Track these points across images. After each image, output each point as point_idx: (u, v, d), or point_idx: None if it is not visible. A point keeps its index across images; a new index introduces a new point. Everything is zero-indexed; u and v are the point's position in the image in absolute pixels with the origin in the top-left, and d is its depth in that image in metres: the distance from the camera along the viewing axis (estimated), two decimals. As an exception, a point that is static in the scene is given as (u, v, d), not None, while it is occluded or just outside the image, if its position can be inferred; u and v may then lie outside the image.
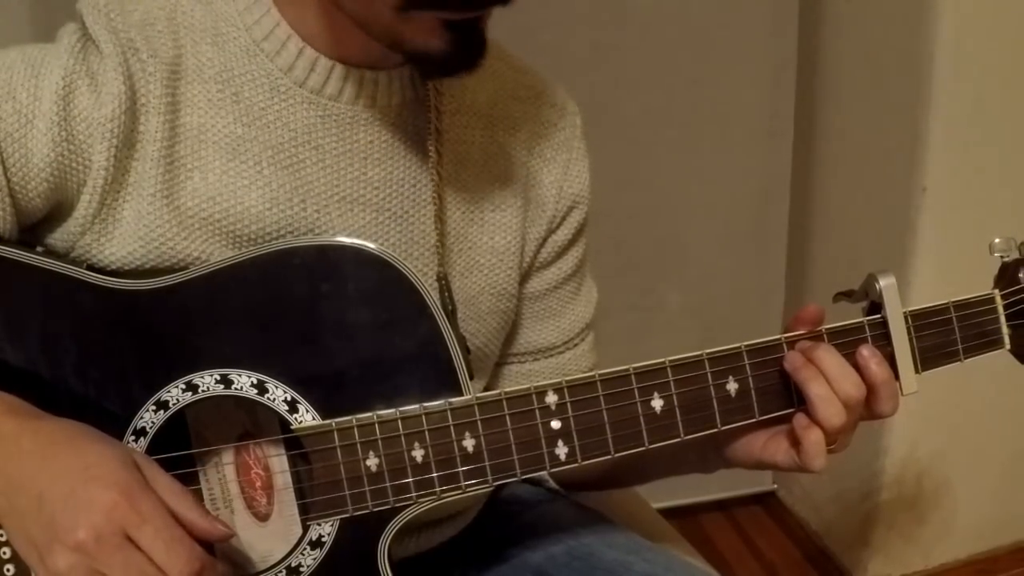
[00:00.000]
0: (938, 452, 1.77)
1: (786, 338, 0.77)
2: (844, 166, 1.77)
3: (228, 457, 0.75)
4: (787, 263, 1.88)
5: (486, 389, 0.89)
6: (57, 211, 0.73)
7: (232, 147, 0.74)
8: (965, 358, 0.81)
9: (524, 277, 0.88)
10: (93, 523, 0.60)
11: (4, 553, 0.68)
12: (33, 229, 0.74)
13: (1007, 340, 0.82)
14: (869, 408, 0.76)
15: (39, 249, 0.73)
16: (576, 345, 0.93)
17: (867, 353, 0.76)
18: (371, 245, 0.71)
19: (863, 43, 1.67)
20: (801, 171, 1.83)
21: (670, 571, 0.88)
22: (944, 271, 1.56)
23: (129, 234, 0.72)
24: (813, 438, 0.74)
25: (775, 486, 2.06)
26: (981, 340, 0.81)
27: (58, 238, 0.74)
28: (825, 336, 0.77)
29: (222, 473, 0.75)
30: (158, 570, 0.61)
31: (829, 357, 0.75)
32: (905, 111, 1.56)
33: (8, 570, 0.68)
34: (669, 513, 1.27)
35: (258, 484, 0.75)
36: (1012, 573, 1.87)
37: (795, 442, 0.76)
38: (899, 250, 1.61)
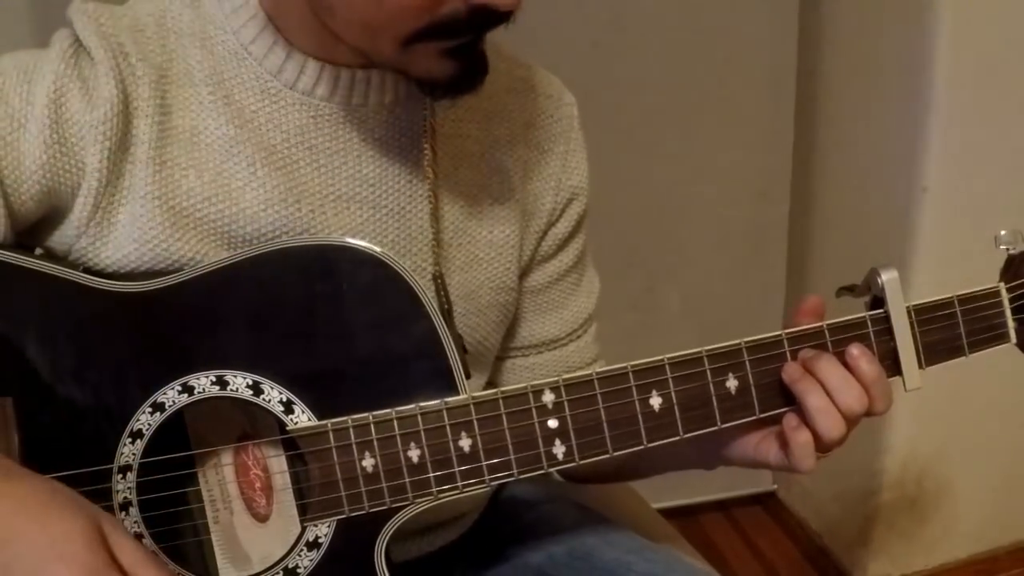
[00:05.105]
0: (939, 451, 1.76)
1: (787, 334, 0.75)
2: (844, 166, 1.77)
3: (227, 458, 0.74)
4: (787, 263, 1.88)
5: (489, 383, 0.90)
6: (53, 215, 0.73)
7: (225, 148, 0.74)
8: (970, 353, 0.78)
9: (525, 271, 0.88)
10: None
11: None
12: (32, 232, 0.74)
13: (1013, 334, 0.80)
14: None
15: (37, 252, 0.73)
16: (579, 337, 0.93)
17: (856, 352, 0.74)
18: (366, 244, 0.71)
19: (863, 43, 1.67)
20: (801, 171, 1.83)
21: (671, 571, 0.88)
22: (944, 272, 1.56)
23: (124, 236, 0.72)
24: (801, 440, 0.73)
25: (775, 486, 2.06)
26: (986, 334, 0.79)
27: (56, 241, 0.74)
28: (826, 331, 0.75)
29: (221, 474, 0.74)
30: None
31: (831, 368, 0.73)
32: (905, 111, 1.56)
33: None
34: (669, 513, 1.27)
35: (257, 485, 0.75)
36: (1012, 573, 1.87)
37: (785, 443, 0.75)
38: (899, 250, 1.60)
